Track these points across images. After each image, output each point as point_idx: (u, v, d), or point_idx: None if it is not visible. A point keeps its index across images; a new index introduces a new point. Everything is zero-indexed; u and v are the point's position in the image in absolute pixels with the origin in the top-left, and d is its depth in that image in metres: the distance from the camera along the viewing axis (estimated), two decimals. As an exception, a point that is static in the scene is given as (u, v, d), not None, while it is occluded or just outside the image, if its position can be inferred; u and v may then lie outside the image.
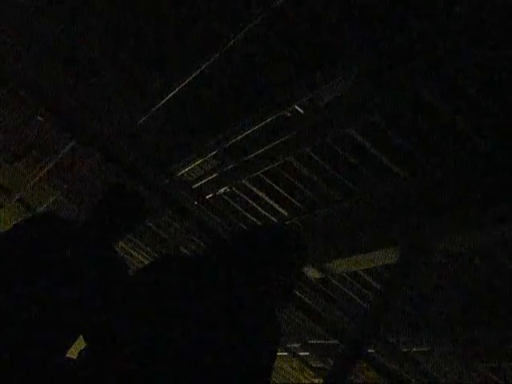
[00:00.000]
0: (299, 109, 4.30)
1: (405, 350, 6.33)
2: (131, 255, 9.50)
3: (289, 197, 5.50)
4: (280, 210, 5.74)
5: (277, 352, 2.00)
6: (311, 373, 8.70)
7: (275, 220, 5.85)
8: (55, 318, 2.46)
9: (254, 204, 5.96)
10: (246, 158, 5.15)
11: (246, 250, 2.08)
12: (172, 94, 4.83)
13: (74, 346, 2.51)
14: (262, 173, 5.28)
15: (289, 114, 4.40)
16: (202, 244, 7.23)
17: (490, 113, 3.45)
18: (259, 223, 5.95)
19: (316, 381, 8.86)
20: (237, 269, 2.02)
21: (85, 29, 4.81)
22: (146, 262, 8.41)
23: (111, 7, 4.44)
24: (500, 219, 3.76)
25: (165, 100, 4.98)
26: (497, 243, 4.25)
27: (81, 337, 2.41)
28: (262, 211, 5.97)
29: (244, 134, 4.80)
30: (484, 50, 3.08)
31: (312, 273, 5.87)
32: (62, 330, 2.48)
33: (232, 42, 3.92)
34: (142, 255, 9.23)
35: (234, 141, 4.97)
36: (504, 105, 3.35)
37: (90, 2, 4.52)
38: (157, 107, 5.16)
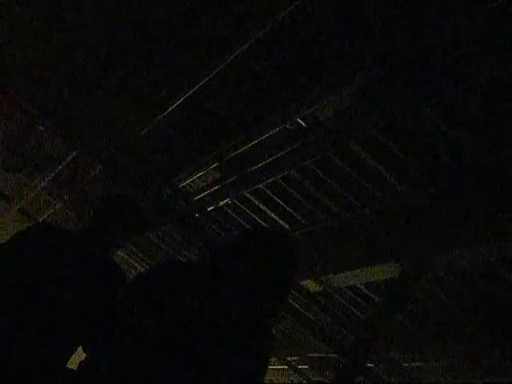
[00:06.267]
0: (301, 122, 4.31)
1: (405, 365, 6.30)
2: (132, 266, 9.49)
3: (290, 209, 5.50)
4: (281, 222, 5.73)
5: (269, 358, 2.01)
6: (310, 387, 8.64)
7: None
8: (52, 325, 2.45)
9: (256, 216, 5.95)
10: (247, 171, 5.15)
11: (234, 258, 2.10)
12: (174, 105, 4.84)
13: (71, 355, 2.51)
14: (263, 185, 5.28)
15: (291, 127, 4.41)
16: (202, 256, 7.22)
17: (489, 129, 3.46)
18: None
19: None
20: (228, 276, 2.05)
21: (86, 40, 4.83)
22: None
23: (112, 19, 4.46)
24: (499, 233, 3.76)
25: (167, 112, 4.99)
26: (497, 257, 4.24)
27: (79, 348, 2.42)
28: (264, 224, 5.96)
29: (246, 147, 4.81)
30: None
31: (312, 286, 5.85)
32: (61, 337, 2.48)
33: (235, 54, 3.94)
34: (143, 266, 9.21)
35: (235, 153, 4.98)
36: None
37: (89, 14, 4.55)
38: (159, 118, 5.18)
